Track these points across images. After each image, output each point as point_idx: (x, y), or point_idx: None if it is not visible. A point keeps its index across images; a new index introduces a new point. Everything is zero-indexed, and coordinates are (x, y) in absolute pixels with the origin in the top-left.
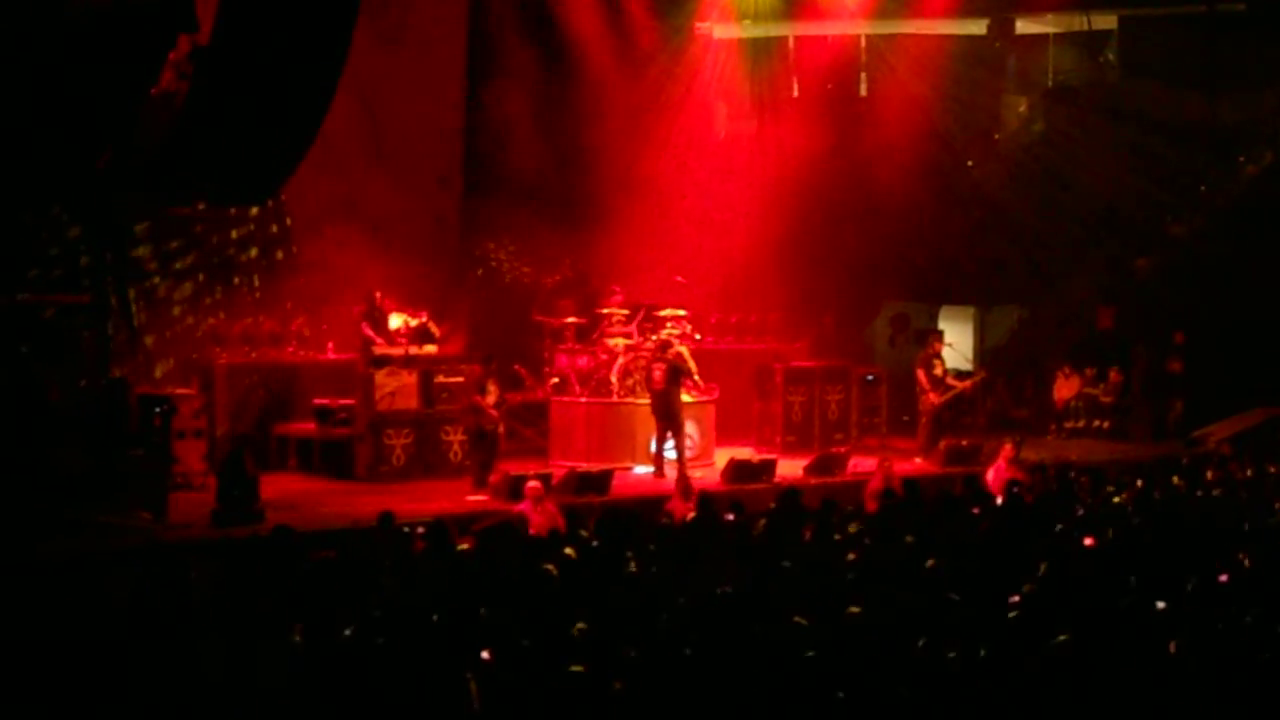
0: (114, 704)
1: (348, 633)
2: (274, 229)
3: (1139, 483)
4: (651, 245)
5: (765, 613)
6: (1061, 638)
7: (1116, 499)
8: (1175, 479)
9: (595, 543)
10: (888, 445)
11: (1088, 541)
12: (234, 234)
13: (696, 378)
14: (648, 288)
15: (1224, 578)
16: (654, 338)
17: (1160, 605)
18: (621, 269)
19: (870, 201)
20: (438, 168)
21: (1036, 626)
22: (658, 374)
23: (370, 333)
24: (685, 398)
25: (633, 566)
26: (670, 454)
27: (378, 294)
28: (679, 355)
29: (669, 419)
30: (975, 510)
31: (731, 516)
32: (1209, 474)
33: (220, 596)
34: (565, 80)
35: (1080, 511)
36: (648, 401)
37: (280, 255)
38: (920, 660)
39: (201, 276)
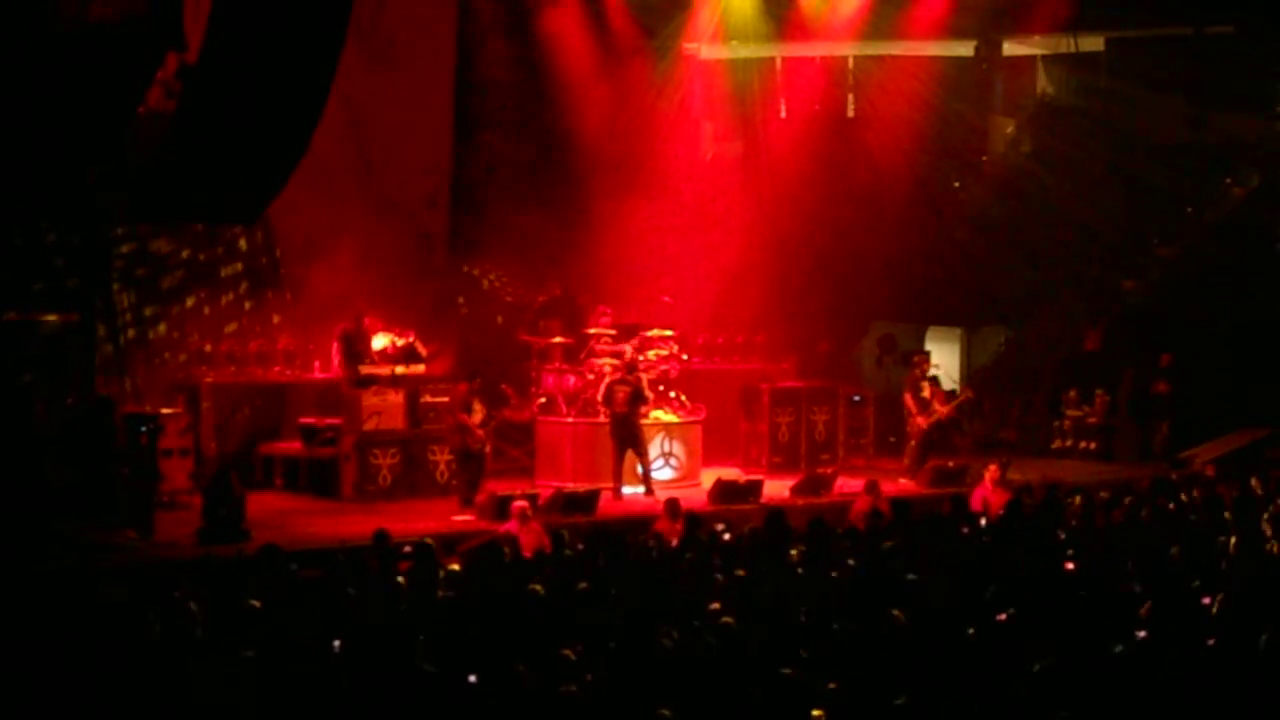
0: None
1: (335, 649)
2: (261, 248)
3: (1125, 504)
4: (639, 266)
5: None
6: (1041, 663)
7: (1101, 522)
8: (1160, 501)
9: (582, 563)
10: (874, 466)
11: (1069, 567)
12: (221, 252)
13: (674, 395)
14: (635, 308)
15: (1207, 600)
16: (629, 359)
17: (1141, 634)
18: (609, 289)
19: (857, 222)
20: (425, 187)
21: (1020, 648)
22: (620, 395)
23: (337, 353)
24: (672, 417)
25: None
26: (659, 474)
27: (366, 319)
28: (639, 380)
29: (629, 441)
30: (964, 530)
31: (721, 527)
32: (1195, 495)
33: (207, 614)
34: (552, 101)
35: (1062, 535)
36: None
37: (267, 274)
38: (906, 679)
39: (188, 295)
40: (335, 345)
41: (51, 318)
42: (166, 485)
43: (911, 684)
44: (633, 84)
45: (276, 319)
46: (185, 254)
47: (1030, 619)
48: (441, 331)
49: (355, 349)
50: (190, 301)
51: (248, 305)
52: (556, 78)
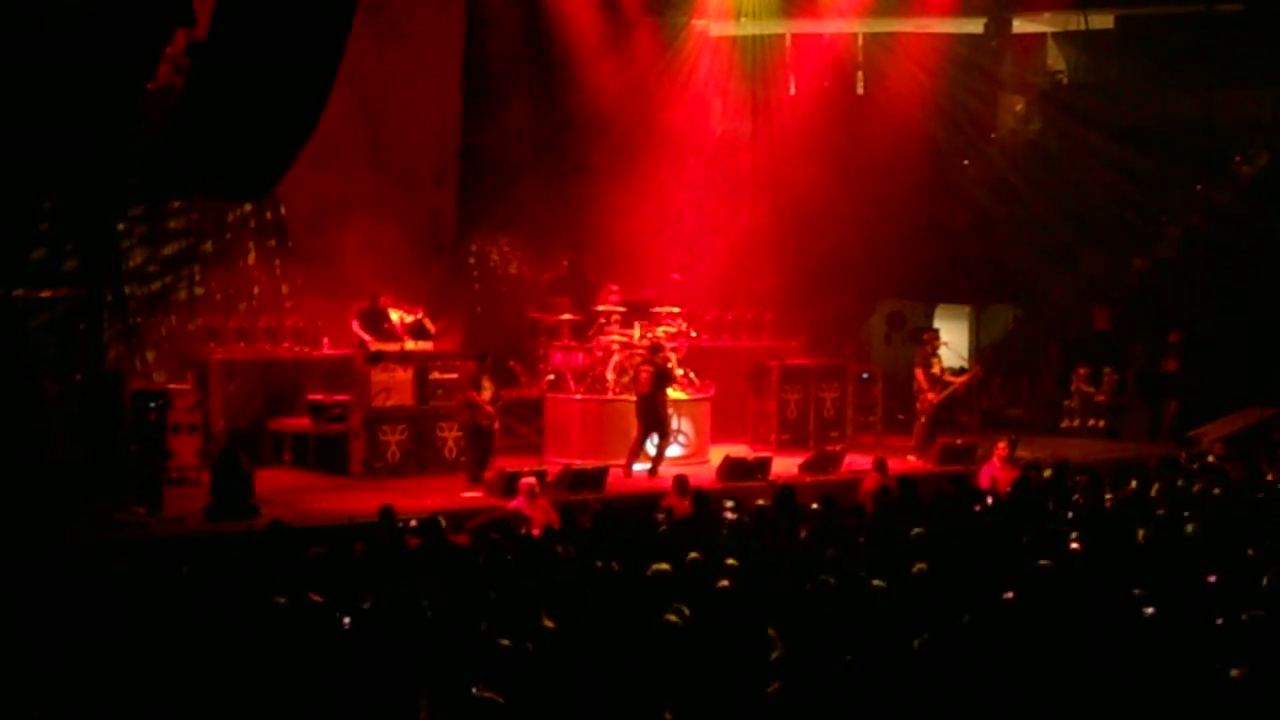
0: (107, 698)
1: (345, 624)
2: (270, 224)
3: (1133, 483)
4: (648, 242)
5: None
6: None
7: (1109, 500)
8: (1169, 479)
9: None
10: (883, 443)
11: (1074, 545)
12: (230, 229)
13: (682, 373)
14: (644, 285)
15: (1212, 578)
16: (648, 337)
17: (1150, 610)
18: (618, 266)
19: (866, 200)
20: (434, 164)
21: (1024, 626)
22: (644, 376)
23: (360, 330)
24: (681, 395)
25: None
26: (670, 451)
27: (382, 297)
28: (666, 359)
29: (654, 423)
30: (977, 507)
31: (730, 504)
32: (1202, 474)
33: (215, 591)
34: (561, 78)
35: (1070, 514)
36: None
37: (276, 251)
38: (912, 657)
39: (197, 271)
40: (354, 323)
41: (60, 294)
42: (175, 461)
43: (916, 662)
44: (642, 61)
45: (286, 296)
46: (194, 230)
47: (1037, 598)
48: (450, 308)
49: (376, 326)
50: (199, 277)
51: (256, 282)
52: (566, 55)
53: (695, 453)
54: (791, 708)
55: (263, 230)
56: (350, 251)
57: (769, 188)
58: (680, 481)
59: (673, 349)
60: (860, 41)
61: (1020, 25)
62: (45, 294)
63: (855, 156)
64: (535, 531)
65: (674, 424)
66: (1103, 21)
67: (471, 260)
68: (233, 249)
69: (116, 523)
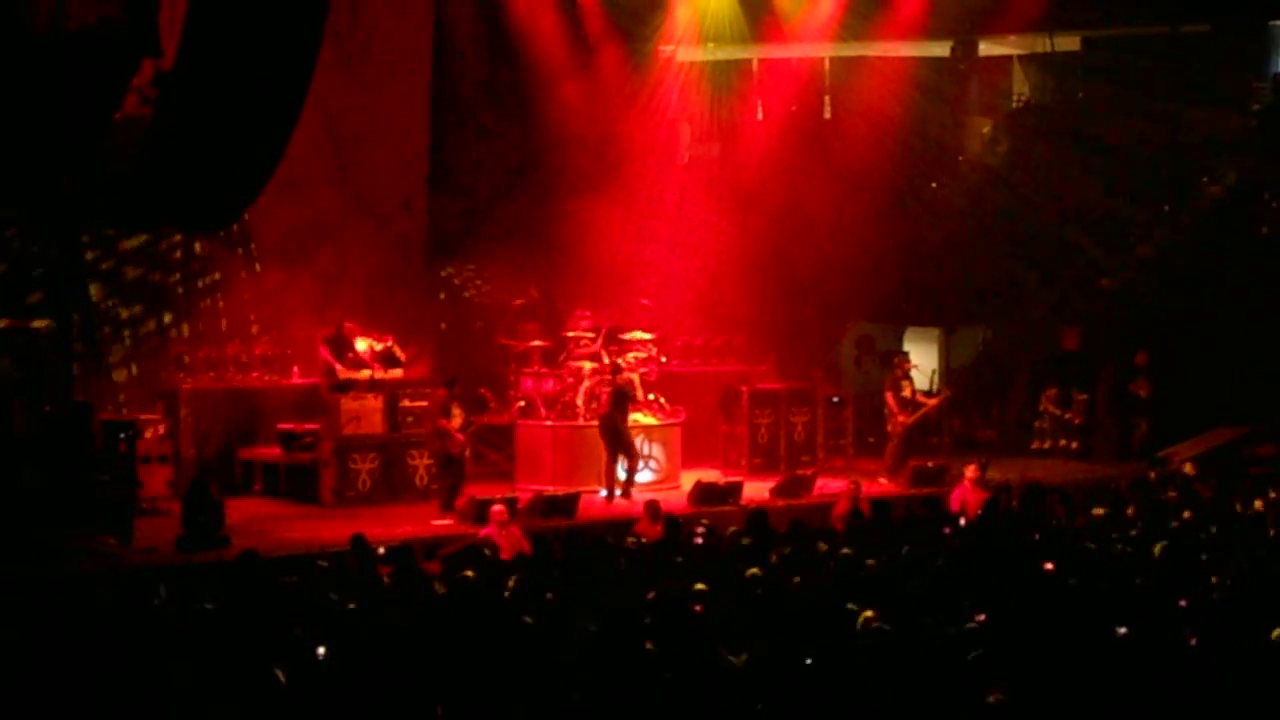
0: None
1: (320, 654)
2: (238, 253)
3: (1103, 504)
4: (617, 268)
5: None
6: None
7: (1080, 521)
8: (1140, 499)
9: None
10: (854, 467)
11: (1048, 566)
12: (198, 258)
13: (652, 398)
14: (613, 310)
15: (1183, 602)
16: (612, 362)
17: (1121, 630)
18: (587, 292)
19: (835, 224)
20: (402, 191)
21: (1000, 651)
22: (604, 396)
23: (328, 356)
24: (651, 420)
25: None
26: (639, 476)
27: (347, 324)
28: (628, 381)
29: (618, 443)
30: (946, 530)
31: (701, 529)
32: (1173, 494)
33: (187, 621)
34: (530, 104)
35: (1037, 536)
36: None
37: (245, 279)
38: (887, 682)
39: (165, 301)
40: (323, 349)
41: (28, 324)
42: (145, 492)
43: (890, 686)
44: (610, 87)
45: (254, 325)
46: (162, 260)
47: (1008, 620)
48: (419, 335)
49: (341, 354)
50: (167, 307)
51: (225, 311)
52: (534, 81)
53: (666, 478)
54: None
55: (231, 259)
56: (319, 279)
57: (737, 212)
58: (651, 507)
59: (642, 373)
60: (827, 66)
61: (986, 48)
62: (13, 324)
63: (823, 180)
64: (506, 558)
65: (643, 448)
66: (1068, 44)
67: (441, 286)
68: (201, 278)
69: (87, 554)
